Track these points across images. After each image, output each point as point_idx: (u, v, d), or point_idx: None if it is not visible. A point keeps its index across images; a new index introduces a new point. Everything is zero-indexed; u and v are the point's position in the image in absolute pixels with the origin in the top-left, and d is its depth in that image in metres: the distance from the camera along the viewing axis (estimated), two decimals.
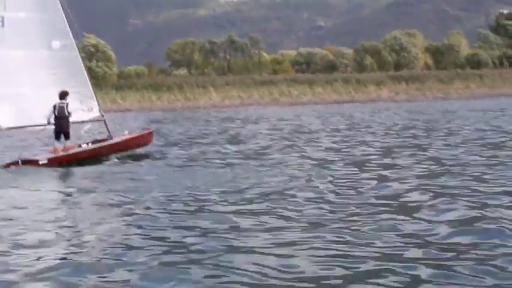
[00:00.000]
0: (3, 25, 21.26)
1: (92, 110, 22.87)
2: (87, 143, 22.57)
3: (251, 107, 60.77)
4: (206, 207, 11.81)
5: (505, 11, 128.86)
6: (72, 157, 20.82)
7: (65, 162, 20.28)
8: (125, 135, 23.65)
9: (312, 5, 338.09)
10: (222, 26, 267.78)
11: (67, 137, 21.01)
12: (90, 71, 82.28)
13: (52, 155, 20.84)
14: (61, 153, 20.82)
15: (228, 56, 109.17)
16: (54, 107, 20.67)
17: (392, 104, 58.22)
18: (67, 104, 20.79)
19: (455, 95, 69.11)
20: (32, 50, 21.74)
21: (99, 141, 22.98)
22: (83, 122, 22.84)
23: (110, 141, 22.54)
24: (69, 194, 14.53)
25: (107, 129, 23.18)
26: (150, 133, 24.53)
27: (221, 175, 16.30)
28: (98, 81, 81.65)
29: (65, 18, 22.30)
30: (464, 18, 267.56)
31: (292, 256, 8.05)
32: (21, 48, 21.56)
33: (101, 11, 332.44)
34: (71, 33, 22.44)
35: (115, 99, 66.79)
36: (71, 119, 20.90)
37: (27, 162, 19.98)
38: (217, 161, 19.73)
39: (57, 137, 20.96)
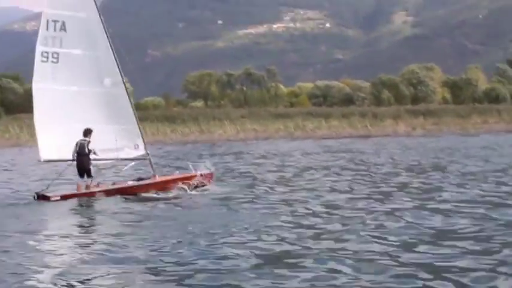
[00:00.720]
0: (57, 61, 21.55)
1: (137, 148, 22.88)
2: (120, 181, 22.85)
3: (266, 141, 60.48)
4: None
5: None
6: (87, 195, 20.83)
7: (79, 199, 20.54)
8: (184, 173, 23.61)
9: (329, 38, 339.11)
10: (239, 58, 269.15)
11: (88, 174, 21.07)
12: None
13: (68, 192, 21.05)
14: (79, 191, 20.99)
15: (244, 88, 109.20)
16: (76, 144, 20.91)
17: (408, 139, 57.69)
18: (88, 142, 20.99)
19: (472, 130, 68.29)
20: (84, 87, 22.06)
21: (141, 179, 22.90)
22: (128, 159, 23.16)
23: (140, 182, 22.47)
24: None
25: (152, 167, 23.01)
26: (210, 175, 23.66)
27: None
28: None
29: (114, 56, 22.64)
30: (483, 53, 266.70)
31: None
32: (73, 84, 21.86)
33: (120, 42, 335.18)
34: (119, 71, 22.64)
35: None
36: (93, 156, 21.07)
37: (41, 197, 20.31)
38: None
39: (81, 175, 21.15)
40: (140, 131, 23.04)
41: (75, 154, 20.89)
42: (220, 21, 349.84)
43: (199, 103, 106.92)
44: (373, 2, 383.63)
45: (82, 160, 20.89)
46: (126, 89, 22.96)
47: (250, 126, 67.78)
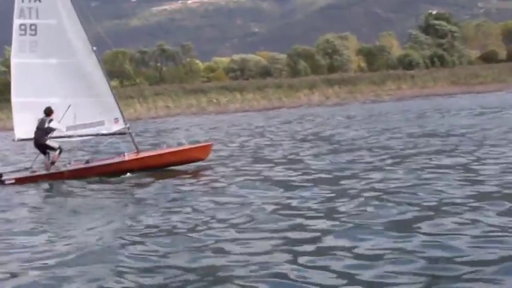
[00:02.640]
0: (35, 33, 20.75)
1: (117, 122, 21.45)
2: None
3: (173, 118, 59.20)
4: None
5: (434, 12, 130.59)
6: (37, 178, 19.80)
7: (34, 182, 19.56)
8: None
9: (245, 12, 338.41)
10: (155, 36, 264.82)
11: (44, 152, 20.18)
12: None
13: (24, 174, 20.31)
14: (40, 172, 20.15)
15: (159, 65, 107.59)
16: (38, 120, 20.08)
17: (318, 109, 57.51)
18: (50, 120, 20.03)
19: (385, 97, 68.75)
20: (62, 58, 20.95)
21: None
22: (107, 135, 21.81)
23: (97, 162, 20.98)
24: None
25: (133, 142, 21.48)
26: (205, 147, 21.64)
27: None
28: None
29: (80, 22, 21.31)
30: (396, 20, 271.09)
31: None
32: (52, 56, 20.85)
33: None
34: (88, 40, 21.39)
35: None
36: (59, 133, 20.33)
37: None
38: None
39: (42, 152, 20.30)
40: (117, 104, 21.58)
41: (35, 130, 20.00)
42: None
43: (114, 82, 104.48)
44: None
45: (38, 135, 19.91)
46: (98, 58, 21.43)
47: (163, 104, 66.23)
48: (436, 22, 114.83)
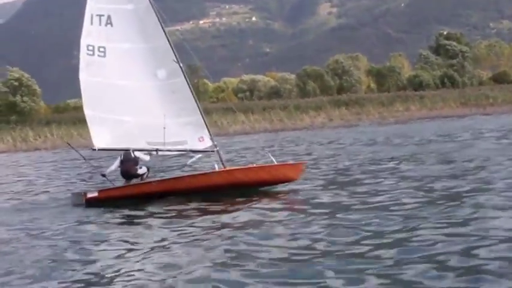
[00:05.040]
0: (104, 55, 20.09)
1: (202, 140, 20.73)
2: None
3: None
4: None
5: (445, 32, 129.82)
6: (124, 191, 19.32)
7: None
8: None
9: (256, 32, 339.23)
10: None
11: (137, 177, 19.94)
12: (14, 106, 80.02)
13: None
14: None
15: None
16: (120, 155, 19.84)
17: (313, 132, 56.49)
18: (133, 150, 19.87)
19: (391, 119, 67.64)
20: (135, 81, 20.55)
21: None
22: (192, 152, 21.04)
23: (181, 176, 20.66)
24: None
25: (221, 160, 20.50)
26: (297, 165, 20.71)
27: None
28: (24, 116, 78.78)
29: (170, 44, 20.73)
30: (407, 41, 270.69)
31: None
32: (123, 79, 20.39)
33: (44, 44, 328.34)
34: (177, 59, 20.64)
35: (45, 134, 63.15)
36: (168, 151, 20.45)
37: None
38: None
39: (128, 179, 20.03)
40: (205, 121, 20.80)
41: (119, 164, 19.65)
42: None
43: None
44: None
45: (127, 167, 19.55)
46: (186, 77, 20.71)
47: None
48: (447, 42, 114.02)
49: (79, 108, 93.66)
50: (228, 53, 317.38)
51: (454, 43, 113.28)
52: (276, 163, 20.20)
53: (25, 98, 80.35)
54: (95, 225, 15.65)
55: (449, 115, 68.28)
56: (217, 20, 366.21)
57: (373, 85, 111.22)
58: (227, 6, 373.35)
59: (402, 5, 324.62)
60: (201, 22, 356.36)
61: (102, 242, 13.36)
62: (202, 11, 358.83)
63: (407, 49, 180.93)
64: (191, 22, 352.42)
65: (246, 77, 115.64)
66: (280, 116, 69.39)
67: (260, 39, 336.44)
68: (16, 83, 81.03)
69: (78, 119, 71.49)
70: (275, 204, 16.93)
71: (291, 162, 22.21)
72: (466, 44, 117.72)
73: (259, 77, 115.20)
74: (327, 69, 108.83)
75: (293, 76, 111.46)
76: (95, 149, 20.25)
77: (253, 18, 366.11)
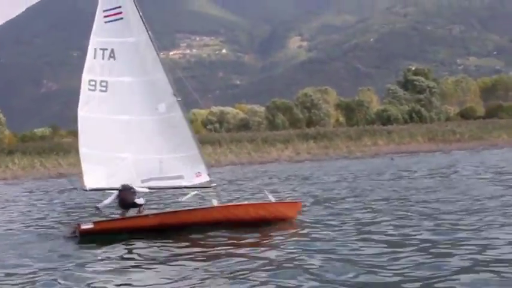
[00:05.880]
0: (106, 90, 19.75)
1: (199, 175, 20.16)
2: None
3: None
4: None
5: (413, 67, 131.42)
6: (119, 224, 18.81)
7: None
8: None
9: (226, 64, 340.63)
10: None
11: (135, 206, 19.47)
12: None
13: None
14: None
15: None
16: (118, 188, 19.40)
17: (281, 166, 56.44)
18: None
19: (358, 153, 67.58)
20: (135, 115, 20.06)
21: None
22: (189, 188, 20.41)
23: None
24: None
25: (218, 196, 20.12)
26: (295, 204, 20.56)
27: None
28: None
29: (167, 78, 20.20)
30: (376, 75, 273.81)
31: None
32: (124, 113, 19.95)
33: (13, 72, 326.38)
34: (174, 93, 20.08)
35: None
36: (149, 184, 19.78)
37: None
38: None
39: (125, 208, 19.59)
40: (201, 156, 20.38)
41: (117, 194, 19.14)
42: None
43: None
44: (269, 28, 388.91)
45: (125, 195, 19.04)
46: (183, 112, 20.21)
47: None
48: (415, 77, 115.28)
49: (46, 138, 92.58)
50: (198, 85, 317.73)
51: (422, 78, 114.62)
52: (273, 201, 19.99)
53: None
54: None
55: (415, 150, 68.51)
56: (188, 51, 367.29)
57: (341, 119, 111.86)
58: (197, 38, 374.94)
59: (371, 39, 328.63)
60: (171, 53, 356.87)
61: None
62: (172, 42, 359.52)
63: (376, 84, 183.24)
64: (162, 53, 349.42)
65: (215, 109, 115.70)
66: (247, 148, 68.96)
67: (230, 71, 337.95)
68: None
69: (43, 149, 70.92)
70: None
71: (289, 200, 22.16)
72: (434, 80, 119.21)
73: (228, 109, 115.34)
74: (296, 102, 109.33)
75: (263, 108, 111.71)
76: (86, 189, 19.82)
77: (224, 51, 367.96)
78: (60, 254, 16.03)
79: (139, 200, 19.35)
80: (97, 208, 19.52)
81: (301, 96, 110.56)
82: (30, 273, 13.67)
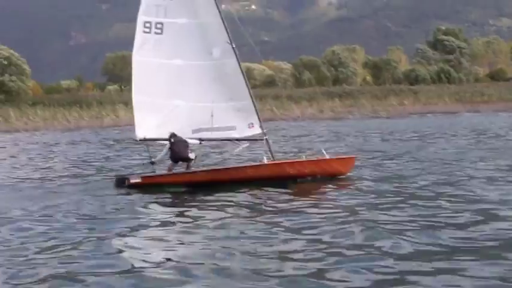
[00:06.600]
0: (161, 32, 19.56)
1: (252, 127, 20.08)
2: None
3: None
4: None
5: (443, 27, 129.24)
6: (167, 179, 19.00)
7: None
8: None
9: (255, 20, 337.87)
10: None
11: (187, 160, 19.35)
12: (2, 85, 78.71)
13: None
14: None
15: None
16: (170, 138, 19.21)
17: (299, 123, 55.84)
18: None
19: (384, 113, 66.62)
20: (190, 60, 19.88)
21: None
22: (240, 140, 20.40)
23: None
24: None
25: (270, 149, 19.97)
26: (349, 159, 20.47)
27: None
28: (12, 96, 77.36)
29: (222, 22, 20.06)
30: (406, 35, 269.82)
31: None
32: (178, 57, 19.78)
33: (41, 24, 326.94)
34: (229, 39, 19.99)
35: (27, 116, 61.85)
36: (199, 135, 19.79)
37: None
38: None
39: (175, 161, 19.50)
40: (255, 107, 20.16)
41: (169, 146, 19.07)
42: None
43: (110, 87, 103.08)
44: None
45: (179, 148, 18.89)
46: (237, 58, 20.01)
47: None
48: (445, 37, 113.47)
49: (72, 90, 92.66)
50: None
51: (452, 38, 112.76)
52: (327, 157, 19.77)
53: (13, 78, 78.68)
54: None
55: (442, 111, 67.45)
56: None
57: (369, 78, 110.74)
58: None
59: None
60: None
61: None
62: None
63: (406, 43, 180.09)
64: None
65: (242, 65, 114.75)
66: (270, 105, 68.49)
67: (259, 27, 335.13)
68: (5, 62, 79.34)
69: (68, 102, 71.06)
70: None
71: (344, 156, 21.79)
72: (464, 40, 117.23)
73: (254, 65, 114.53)
74: (323, 60, 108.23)
75: (289, 65, 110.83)
76: (137, 140, 19.86)
77: (253, 6, 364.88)
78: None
79: (192, 155, 19.22)
80: (152, 163, 19.37)
81: (329, 54, 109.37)
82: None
